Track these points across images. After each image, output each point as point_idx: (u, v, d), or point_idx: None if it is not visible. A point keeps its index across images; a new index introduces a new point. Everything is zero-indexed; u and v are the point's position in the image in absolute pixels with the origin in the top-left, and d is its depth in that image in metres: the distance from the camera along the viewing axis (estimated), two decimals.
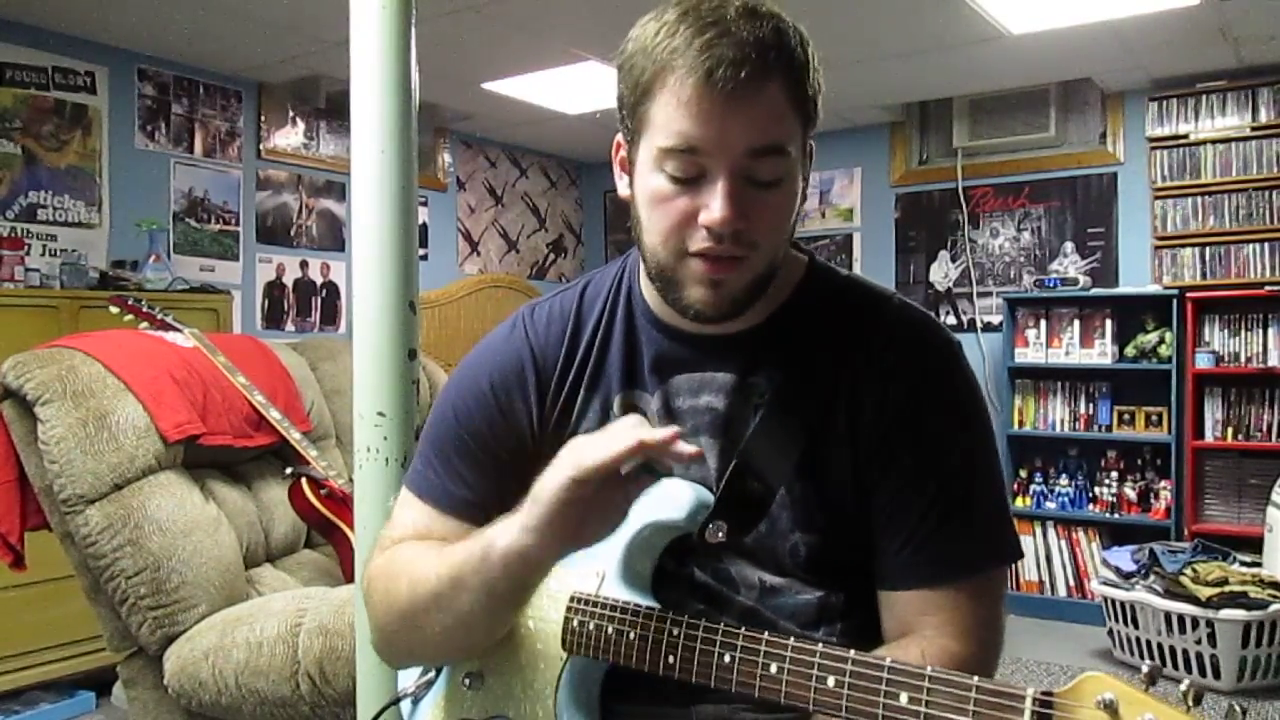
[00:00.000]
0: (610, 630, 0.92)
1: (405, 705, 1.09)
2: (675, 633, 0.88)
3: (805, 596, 0.96)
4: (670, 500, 0.95)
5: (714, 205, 0.85)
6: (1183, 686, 0.64)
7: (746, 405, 0.96)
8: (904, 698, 0.74)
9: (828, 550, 0.95)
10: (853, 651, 0.78)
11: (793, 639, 0.81)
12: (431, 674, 1.07)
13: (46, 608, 2.90)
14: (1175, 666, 3.37)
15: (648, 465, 0.86)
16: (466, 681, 1.03)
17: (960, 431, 0.96)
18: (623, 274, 1.05)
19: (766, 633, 0.83)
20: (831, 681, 0.78)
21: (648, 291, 1.01)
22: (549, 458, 1.02)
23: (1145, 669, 0.65)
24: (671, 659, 0.87)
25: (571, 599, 0.97)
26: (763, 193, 0.87)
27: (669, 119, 0.85)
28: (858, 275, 1.05)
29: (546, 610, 1.00)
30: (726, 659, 0.84)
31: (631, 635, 0.91)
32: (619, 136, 0.96)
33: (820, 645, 0.79)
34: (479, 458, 1.02)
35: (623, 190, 0.97)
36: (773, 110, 0.86)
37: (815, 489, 0.95)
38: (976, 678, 0.71)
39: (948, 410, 0.96)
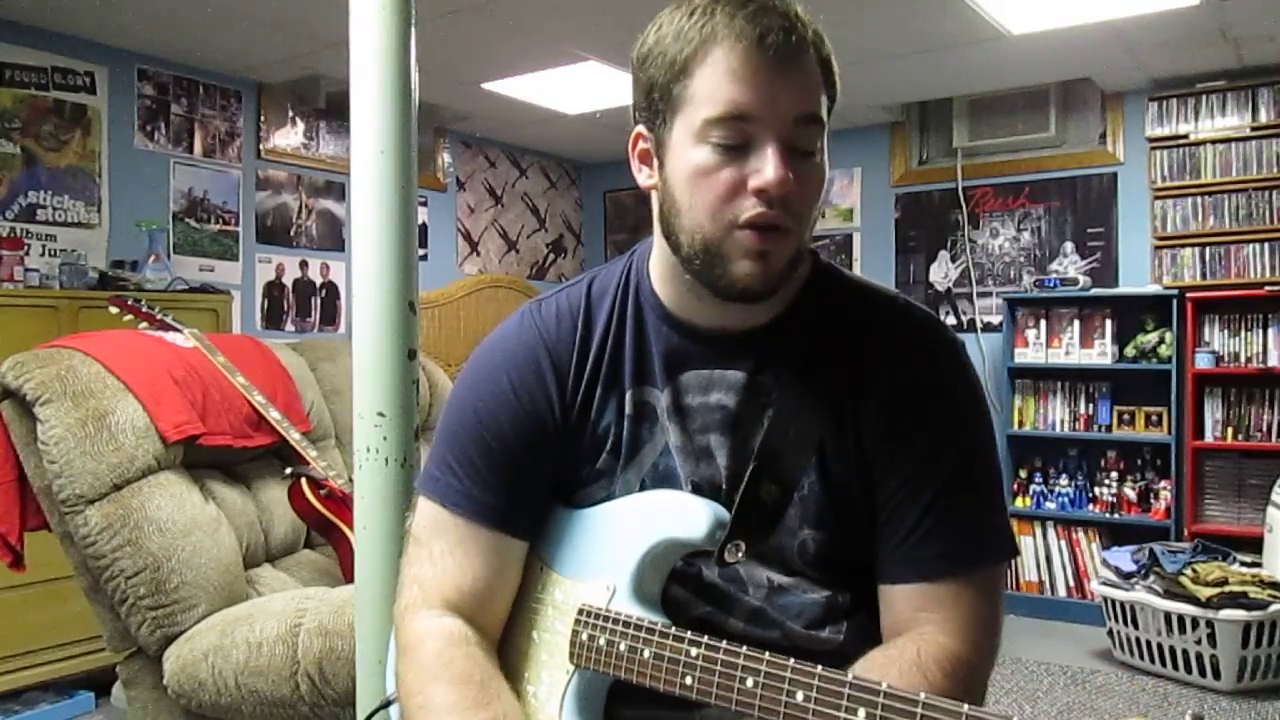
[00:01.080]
0: (622, 646, 0.91)
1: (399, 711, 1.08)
2: (694, 653, 0.86)
3: (813, 596, 0.96)
4: (686, 517, 0.93)
5: (767, 169, 0.86)
6: None
7: (755, 403, 0.96)
8: None
9: (836, 548, 0.95)
10: (885, 684, 0.75)
11: (820, 667, 0.79)
12: None
13: (46, 608, 2.90)
14: (1175, 667, 3.37)
15: None
16: None
17: (961, 430, 0.96)
18: (630, 270, 1.04)
19: (792, 660, 0.81)
20: (862, 714, 0.75)
21: (659, 286, 1.00)
22: (570, 453, 1.01)
23: (1188, 718, 0.65)
24: (689, 679, 0.86)
25: (580, 612, 0.96)
26: (804, 162, 0.88)
27: (715, 88, 0.86)
28: (862, 276, 1.05)
29: (553, 621, 0.99)
30: (749, 683, 0.82)
31: (646, 653, 0.89)
32: (638, 129, 0.95)
33: (851, 676, 0.77)
34: (503, 461, 0.99)
35: (644, 181, 0.96)
36: (812, 79, 0.89)
37: (824, 487, 0.95)
38: (1015, 718, 0.69)
39: (950, 409, 0.96)
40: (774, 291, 0.92)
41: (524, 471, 1.00)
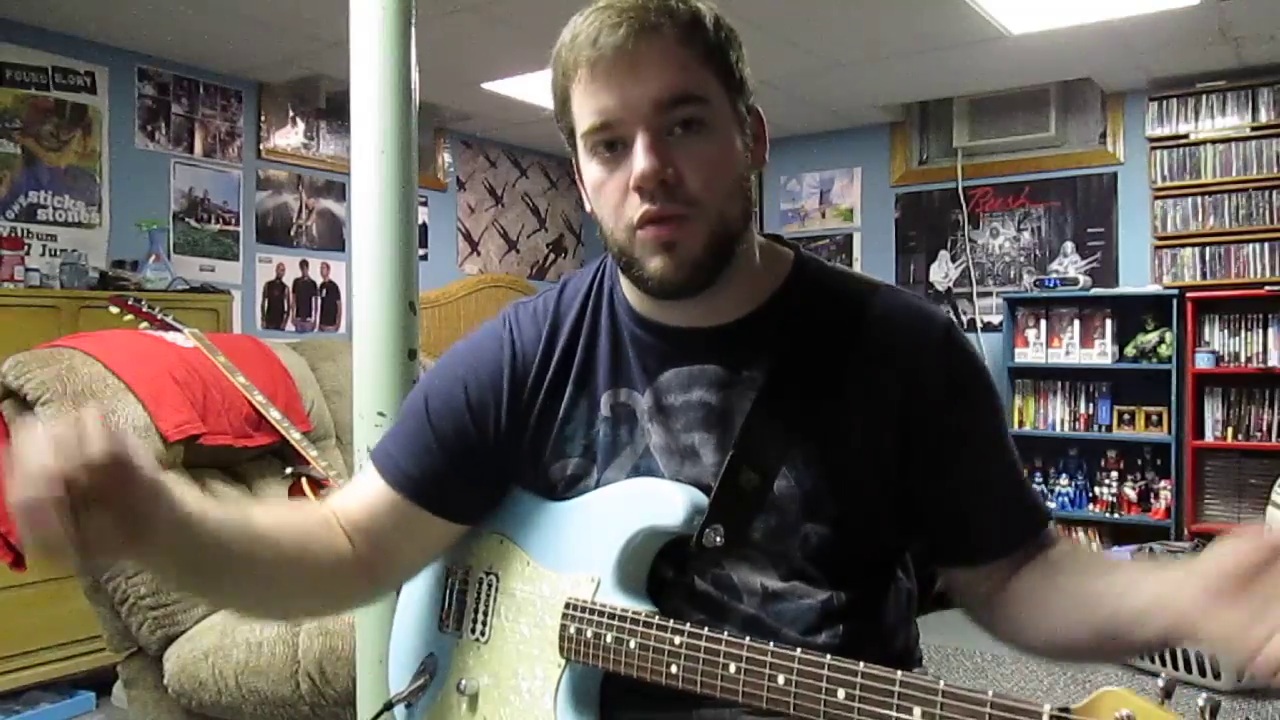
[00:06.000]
0: (609, 638, 0.91)
1: (399, 711, 1.08)
2: (678, 641, 0.87)
3: (808, 601, 0.95)
4: (664, 504, 0.93)
5: (636, 162, 0.87)
6: (1200, 701, 0.64)
7: (741, 398, 0.96)
8: (917, 712, 0.73)
9: (840, 541, 0.95)
10: (862, 664, 0.77)
11: (799, 650, 0.80)
12: (424, 679, 1.06)
13: (46, 608, 2.90)
14: (1175, 666, 3.37)
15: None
16: (462, 685, 1.02)
17: (987, 400, 0.99)
18: (602, 273, 1.05)
19: (772, 643, 0.82)
20: (842, 694, 0.77)
21: (629, 289, 1.00)
22: (529, 457, 1.01)
23: (1161, 682, 0.65)
24: (674, 668, 0.86)
25: (567, 605, 0.96)
26: (687, 141, 0.88)
27: (583, 105, 0.90)
28: (845, 267, 1.05)
29: (542, 616, 0.99)
30: (732, 669, 0.83)
31: (632, 644, 0.90)
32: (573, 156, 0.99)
33: (828, 657, 0.78)
34: (435, 452, 1.02)
35: (588, 205, 0.98)
36: (669, 60, 0.87)
37: (827, 478, 0.94)
38: (991, 693, 0.70)
39: (971, 383, 0.97)
40: (700, 283, 0.92)
41: (454, 468, 1.02)
